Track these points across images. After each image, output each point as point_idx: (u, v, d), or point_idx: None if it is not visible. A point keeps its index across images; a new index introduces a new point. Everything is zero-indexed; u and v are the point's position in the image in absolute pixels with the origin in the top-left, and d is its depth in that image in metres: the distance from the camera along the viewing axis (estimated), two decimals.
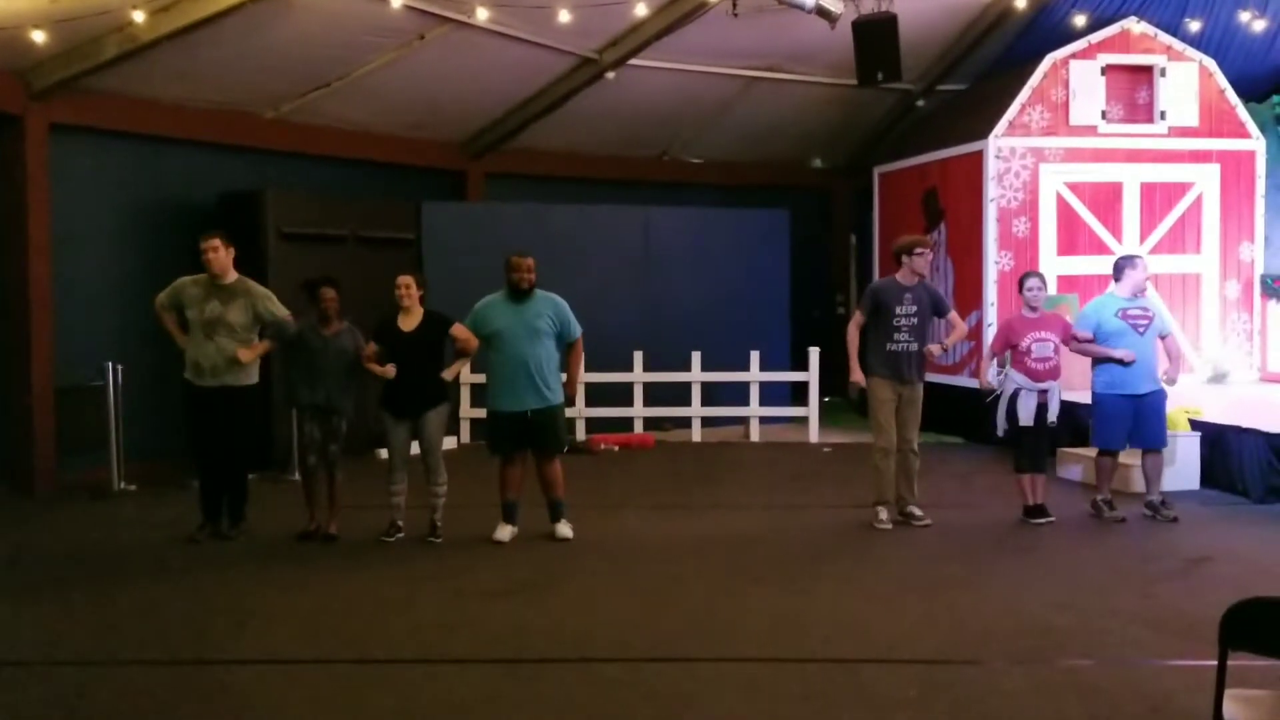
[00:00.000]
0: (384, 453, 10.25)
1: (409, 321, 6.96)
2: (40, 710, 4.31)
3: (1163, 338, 7.60)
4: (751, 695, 4.35)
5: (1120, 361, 7.31)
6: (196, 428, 6.98)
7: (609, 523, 7.49)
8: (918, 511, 7.38)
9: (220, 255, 6.89)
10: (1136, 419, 7.37)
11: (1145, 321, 7.41)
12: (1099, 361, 7.44)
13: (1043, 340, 7.29)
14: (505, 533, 6.96)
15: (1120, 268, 7.63)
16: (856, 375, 7.38)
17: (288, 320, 7.04)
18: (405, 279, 7.01)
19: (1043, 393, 7.31)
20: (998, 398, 7.45)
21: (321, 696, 4.42)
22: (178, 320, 6.92)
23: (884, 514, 7.33)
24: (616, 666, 4.69)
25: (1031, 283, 7.42)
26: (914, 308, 7.24)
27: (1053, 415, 7.36)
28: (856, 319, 7.44)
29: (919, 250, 7.32)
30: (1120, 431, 7.42)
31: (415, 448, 7.04)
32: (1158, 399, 7.42)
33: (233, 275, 6.98)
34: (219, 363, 6.83)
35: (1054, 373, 7.32)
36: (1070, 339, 7.49)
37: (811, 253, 14.43)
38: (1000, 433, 7.51)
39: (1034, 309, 7.40)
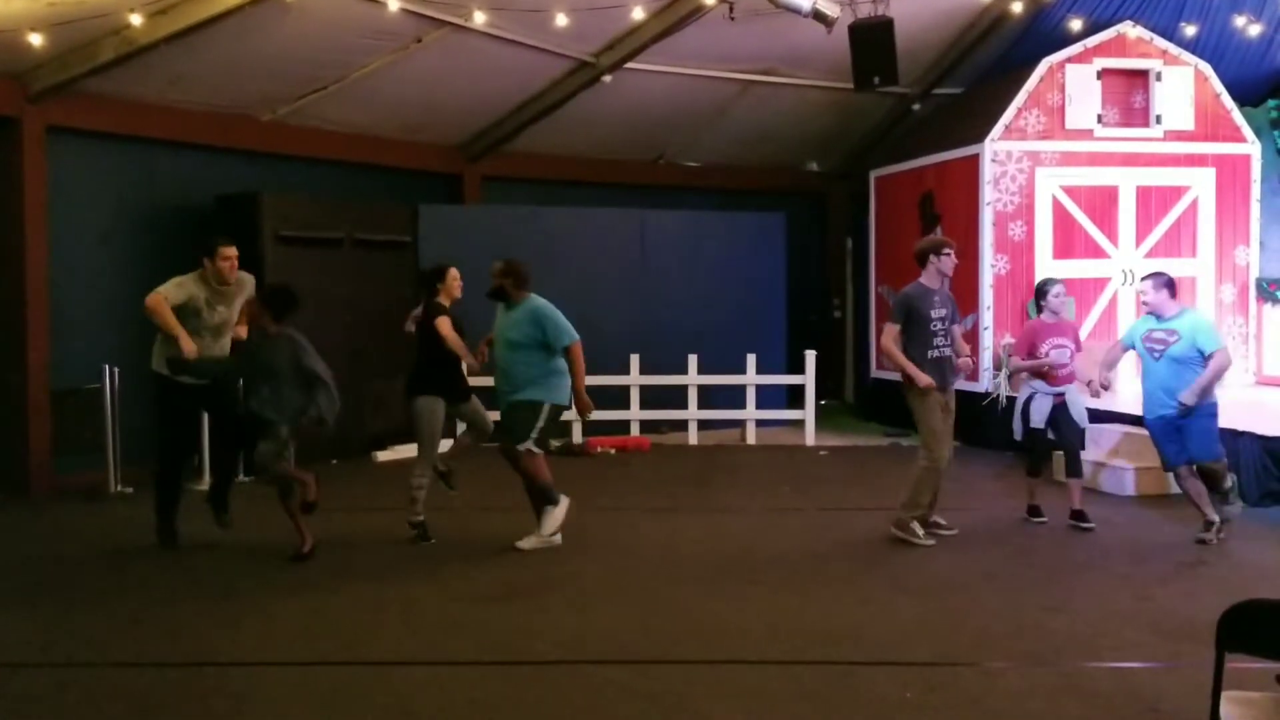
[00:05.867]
0: (382, 456, 10.31)
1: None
2: (35, 712, 4.31)
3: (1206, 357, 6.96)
4: (748, 698, 4.35)
5: (1048, 372, 7.35)
6: (192, 423, 6.98)
7: (605, 526, 7.49)
8: (943, 521, 7.19)
9: (236, 264, 6.94)
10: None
11: (1161, 347, 6.99)
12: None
13: (1060, 347, 7.42)
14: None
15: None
16: (925, 379, 6.80)
17: None
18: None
19: (1058, 396, 7.43)
20: (1005, 401, 7.51)
21: (318, 698, 4.41)
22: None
23: (920, 529, 6.98)
24: (613, 669, 4.70)
25: (1057, 289, 7.52)
26: (944, 311, 7.00)
27: (1079, 419, 7.49)
28: (893, 332, 6.90)
29: (946, 250, 7.07)
30: (1163, 450, 7.12)
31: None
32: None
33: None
34: (221, 359, 6.95)
35: (1070, 378, 7.45)
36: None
37: (808, 256, 14.45)
38: (1018, 436, 7.55)
39: (1055, 313, 7.52)
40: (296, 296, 6.73)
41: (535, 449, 6.79)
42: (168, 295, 6.67)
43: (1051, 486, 7.74)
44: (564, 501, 6.88)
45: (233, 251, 6.88)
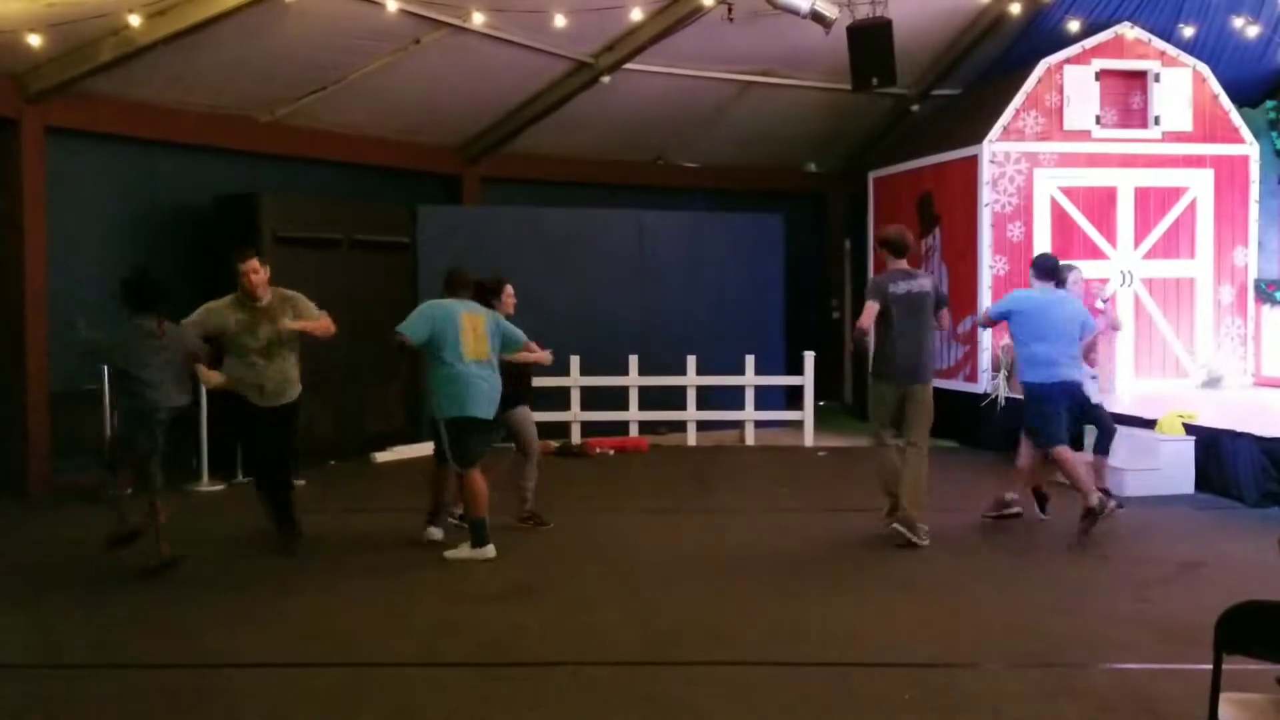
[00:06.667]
0: (380, 457, 10.31)
1: None
2: (34, 712, 4.31)
3: None
4: (746, 699, 4.36)
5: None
6: (260, 442, 6.72)
7: (603, 526, 7.50)
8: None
9: (262, 276, 6.63)
10: None
11: None
12: None
13: None
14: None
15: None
16: None
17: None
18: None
19: (1092, 378, 7.87)
20: (1003, 401, 7.56)
21: (317, 700, 4.41)
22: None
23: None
24: (611, 670, 4.70)
25: (1075, 275, 7.74)
26: None
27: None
28: None
29: None
30: None
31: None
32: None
33: (269, 291, 6.72)
34: (281, 384, 6.68)
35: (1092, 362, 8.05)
36: None
37: (806, 257, 14.46)
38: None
39: None
40: (143, 285, 6.22)
41: (462, 468, 6.59)
42: (193, 321, 6.54)
43: (1052, 486, 7.71)
44: (485, 550, 6.57)
45: (251, 264, 6.59)
